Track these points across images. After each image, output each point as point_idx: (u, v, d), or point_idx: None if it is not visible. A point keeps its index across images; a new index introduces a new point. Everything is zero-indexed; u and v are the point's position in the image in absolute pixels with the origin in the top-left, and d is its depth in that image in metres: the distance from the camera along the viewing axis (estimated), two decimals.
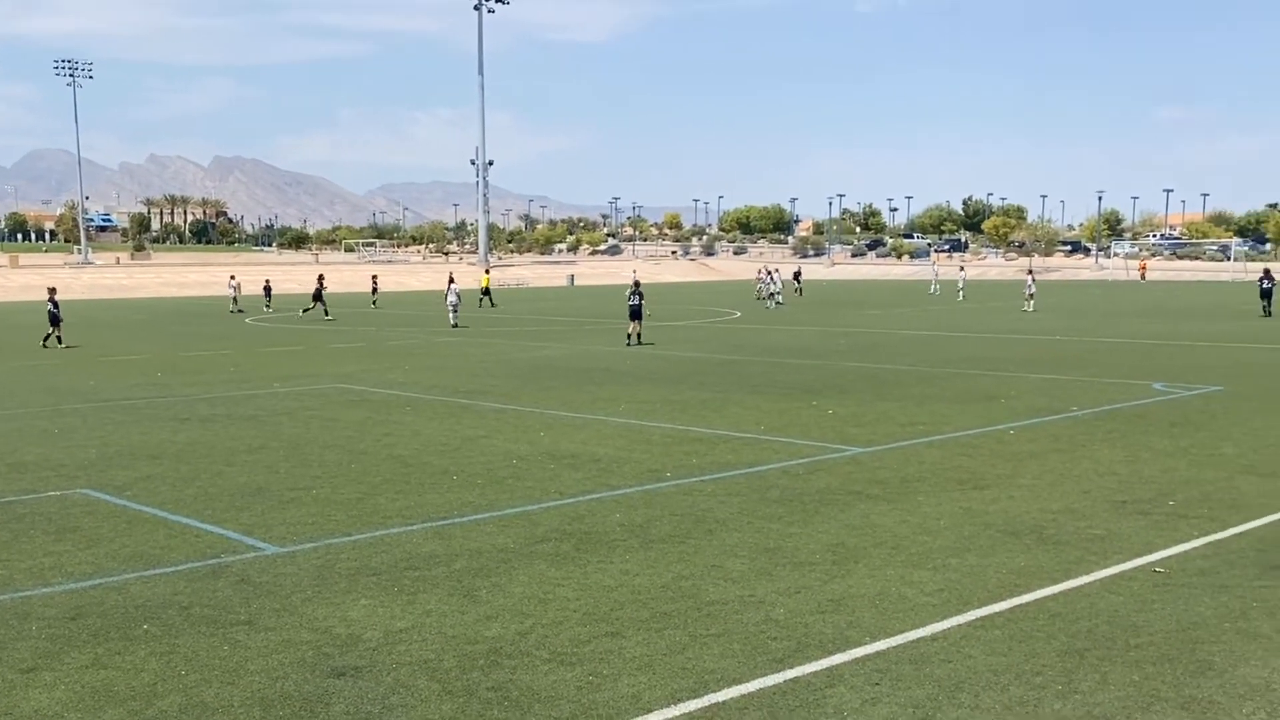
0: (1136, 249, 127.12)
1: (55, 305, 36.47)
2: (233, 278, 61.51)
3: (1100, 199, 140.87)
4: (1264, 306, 47.76)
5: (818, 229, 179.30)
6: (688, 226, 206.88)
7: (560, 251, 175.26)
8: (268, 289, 61.84)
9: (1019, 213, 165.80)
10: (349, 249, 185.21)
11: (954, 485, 13.46)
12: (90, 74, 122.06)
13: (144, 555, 10.66)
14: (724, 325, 45.63)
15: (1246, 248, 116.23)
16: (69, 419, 19.88)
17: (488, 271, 74.78)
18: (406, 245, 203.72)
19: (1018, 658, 7.79)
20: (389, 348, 35.27)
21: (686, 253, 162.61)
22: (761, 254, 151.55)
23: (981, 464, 14.80)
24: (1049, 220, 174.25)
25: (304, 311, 53.27)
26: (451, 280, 49.39)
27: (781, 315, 51.31)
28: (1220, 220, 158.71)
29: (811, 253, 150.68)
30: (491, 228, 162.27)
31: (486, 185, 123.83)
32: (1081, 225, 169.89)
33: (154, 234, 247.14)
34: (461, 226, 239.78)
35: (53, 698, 7.25)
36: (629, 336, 35.03)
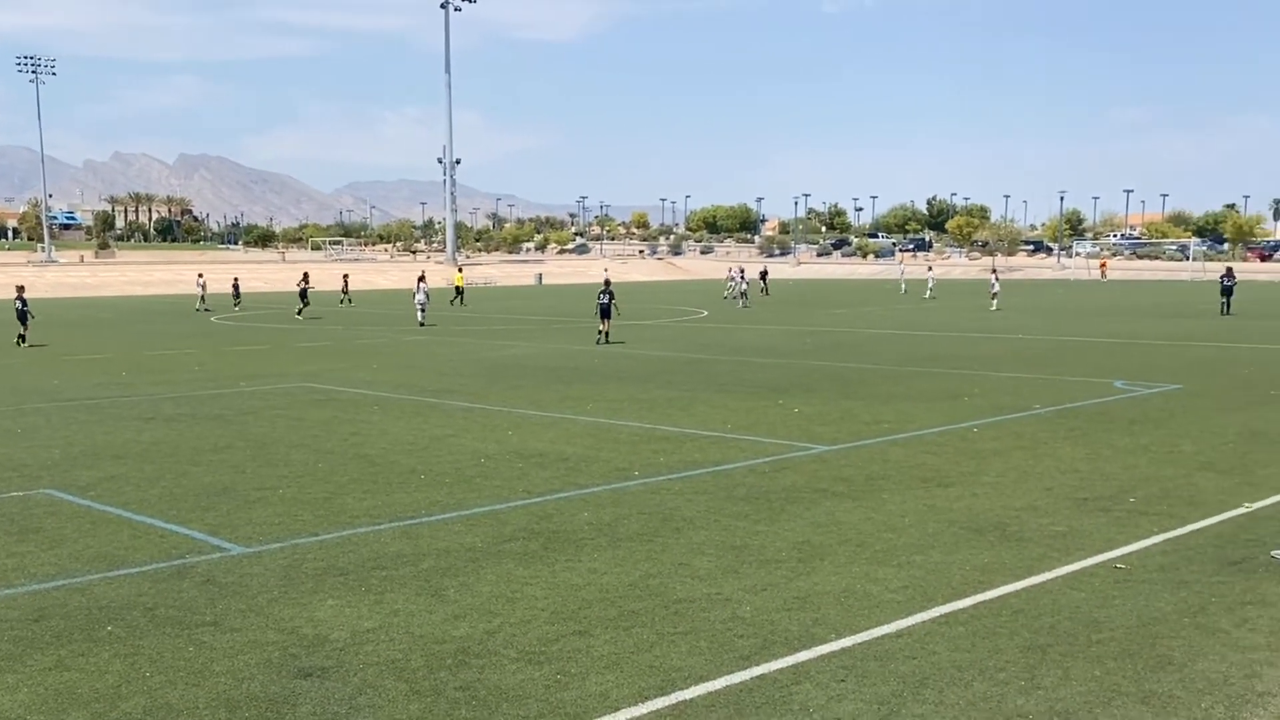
0: (1098, 248, 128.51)
1: (24, 303, 36.09)
2: (201, 276, 61.02)
3: (1062, 199, 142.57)
4: (1224, 303, 48.42)
5: (784, 228, 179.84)
6: (655, 226, 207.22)
7: (528, 250, 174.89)
8: (236, 288, 61.37)
9: (982, 212, 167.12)
10: (316, 247, 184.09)
11: (918, 483, 13.58)
12: (53, 70, 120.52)
13: (108, 556, 10.58)
14: (691, 324, 45.73)
15: (1205, 247, 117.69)
16: (32, 419, 19.68)
17: (460, 270, 74.38)
18: (374, 244, 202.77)
19: (981, 654, 7.87)
20: (356, 346, 35.11)
21: (654, 252, 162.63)
22: (729, 253, 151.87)
23: (946, 462, 14.92)
24: (1012, 220, 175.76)
25: (299, 314, 50.99)
26: (422, 279, 48.01)
27: (748, 315, 51.46)
28: (1179, 220, 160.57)
29: (778, 252, 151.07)
30: (459, 226, 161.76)
31: (454, 184, 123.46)
32: (1044, 225, 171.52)
33: (119, 232, 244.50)
34: (429, 225, 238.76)
35: (15, 700, 7.20)
36: (599, 335, 35.08)
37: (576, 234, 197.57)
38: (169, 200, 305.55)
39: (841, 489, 13.28)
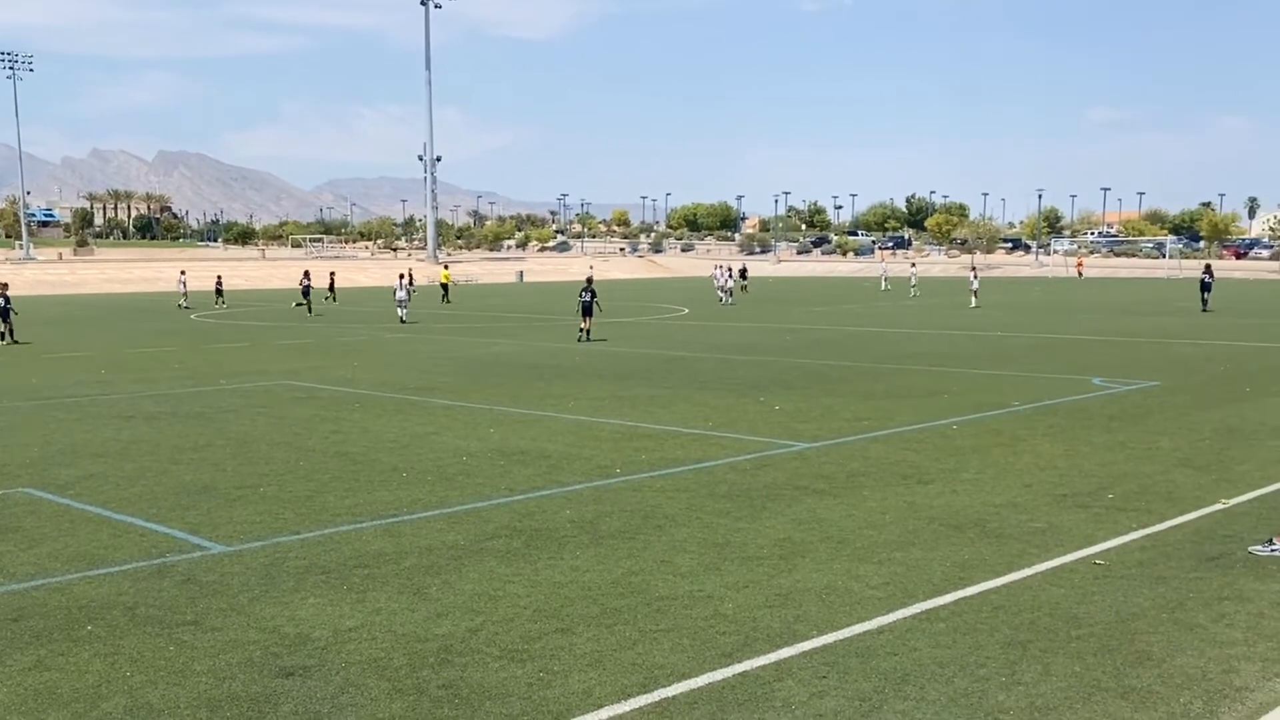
0: (1075, 246, 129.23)
1: (7, 300, 35.85)
2: (183, 273, 60.72)
3: (1040, 197, 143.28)
4: (1203, 299, 48.77)
5: (764, 226, 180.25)
6: (636, 224, 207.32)
7: (509, 248, 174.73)
8: (219, 286, 61.11)
9: (961, 210, 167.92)
10: (296, 244, 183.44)
11: (898, 480, 13.63)
12: (31, 67, 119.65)
13: (87, 555, 10.53)
14: (672, 322, 45.76)
15: (1181, 245, 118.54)
16: (10, 417, 19.55)
17: (446, 267, 74.24)
18: (354, 241, 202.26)
19: (962, 650, 7.92)
20: (338, 344, 34.99)
21: (635, 250, 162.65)
22: (709, 251, 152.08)
23: (925, 459, 14.99)
24: (990, 218, 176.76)
25: (310, 312, 50.84)
26: (405, 276, 47.04)
27: (729, 312, 51.54)
28: (1156, 219, 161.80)
29: (758, 250, 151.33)
30: (440, 224, 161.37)
31: (435, 181, 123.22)
32: (1022, 223, 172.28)
33: (97, 229, 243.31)
34: (410, 222, 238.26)
35: None
36: (580, 332, 35.09)
37: (557, 232, 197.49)
38: (148, 197, 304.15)
39: (822, 486, 13.32)
